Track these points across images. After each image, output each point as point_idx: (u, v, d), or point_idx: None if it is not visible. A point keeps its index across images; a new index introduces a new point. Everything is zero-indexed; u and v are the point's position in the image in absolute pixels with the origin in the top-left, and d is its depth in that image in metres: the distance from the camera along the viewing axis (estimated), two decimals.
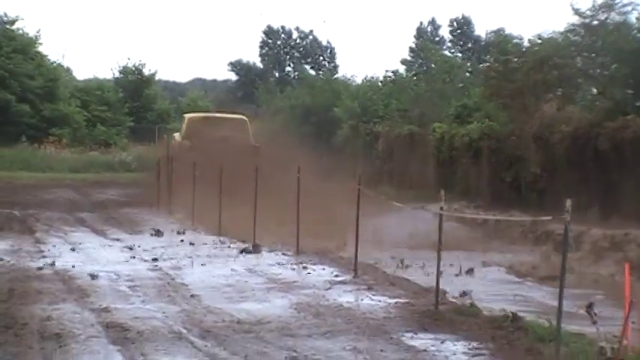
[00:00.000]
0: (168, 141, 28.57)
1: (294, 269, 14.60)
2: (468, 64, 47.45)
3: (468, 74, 39.02)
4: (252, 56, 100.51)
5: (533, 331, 9.38)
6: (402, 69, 49.08)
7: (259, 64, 76.28)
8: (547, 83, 24.81)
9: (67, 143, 42.51)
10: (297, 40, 77.92)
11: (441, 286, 11.22)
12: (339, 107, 38.61)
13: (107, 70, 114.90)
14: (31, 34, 47.90)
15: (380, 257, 16.64)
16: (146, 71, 52.94)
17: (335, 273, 14.04)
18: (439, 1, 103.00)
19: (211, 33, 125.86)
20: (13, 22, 47.05)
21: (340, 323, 10.12)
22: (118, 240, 18.53)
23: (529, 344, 8.99)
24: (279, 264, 15.14)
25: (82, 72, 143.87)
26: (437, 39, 71.59)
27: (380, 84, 41.59)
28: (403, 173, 30.86)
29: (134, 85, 51.89)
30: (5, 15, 47.09)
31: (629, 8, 24.10)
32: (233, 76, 76.94)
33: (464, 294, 12.85)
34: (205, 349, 8.77)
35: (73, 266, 14.19)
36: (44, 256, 15.47)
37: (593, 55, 25.16)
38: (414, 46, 64.54)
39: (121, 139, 45.99)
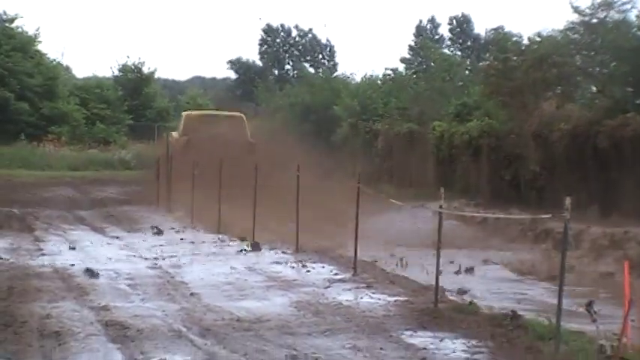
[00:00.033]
0: (167, 139, 28.60)
1: (293, 267, 14.60)
2: (468, 62, 47.44)
3: (467, 72, 38.95)
4: (252, 54, 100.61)
5: (533, 329, 9.38)
6: (401, 67, 49.00)
7: (258, 62, 76.41)
8: (546, 81, 24.79)
9: (66, 141, 42.45)
10: (297, 38, 77.94)
11: (440, 284, 11.20)
12: (338, 105, 38.55)
13: (106, 69, 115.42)
14: (31, 32, 48.03)
15: (379, 255, 16.59)
16: (145, 69, 52.98)
17: (334, 271, 14.03)
18: None
19: (210, 31, 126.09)
20: (12, 20, 47.07)
21: (340, 321, 10.12)
22: (117, 238, 18.53)
23: (529, 342, 8.98)
24: (278, 262, 15.13)
25: (81, 70, 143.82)
26: (436, 37, 71.68)
27: (379, 82, 41.47)
28: (403, 171, 30.81)
29: (133, 83, 51.86)
30: (4, 13, 47.15)
31: (628, 6, 24.11)
32: (232, 74, 77.01)
33: (463, 292, 12.87)
34: (205, 348, 8.76)
35: (73, 264, 14.19)
36: (43, 254, 15.48)
37: (593, 53, 25.15)
38: (413, 44, 64.63)
39: (120, 137, 45.95)
